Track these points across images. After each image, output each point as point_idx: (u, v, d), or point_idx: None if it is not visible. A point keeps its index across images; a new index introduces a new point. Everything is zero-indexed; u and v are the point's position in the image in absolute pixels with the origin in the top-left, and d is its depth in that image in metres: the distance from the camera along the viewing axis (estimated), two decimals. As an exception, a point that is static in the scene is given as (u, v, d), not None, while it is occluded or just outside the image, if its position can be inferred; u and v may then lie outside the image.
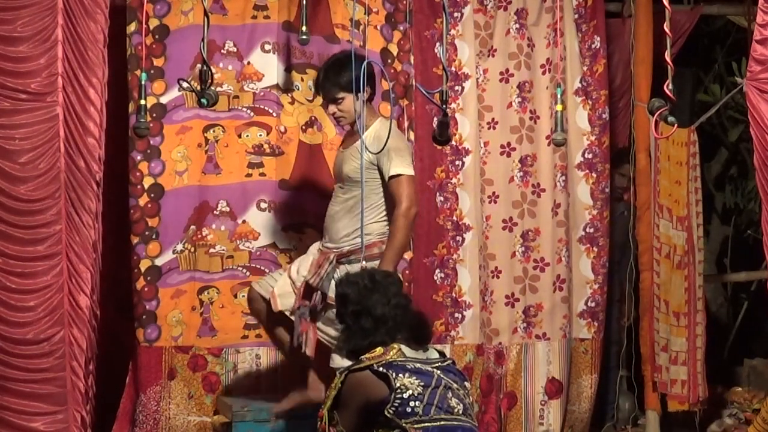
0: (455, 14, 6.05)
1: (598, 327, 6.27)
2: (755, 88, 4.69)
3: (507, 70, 6.11)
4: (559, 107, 4.54)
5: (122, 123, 5.59)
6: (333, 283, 4.89)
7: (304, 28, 4.69)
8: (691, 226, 6.31)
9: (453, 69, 6.02)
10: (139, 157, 5.68)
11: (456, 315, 6.03)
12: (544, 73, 6.14)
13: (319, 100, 5.35)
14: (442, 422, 3.98)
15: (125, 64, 5.63)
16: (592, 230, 6.25)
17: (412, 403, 3.95)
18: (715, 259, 8.43)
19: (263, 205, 5.83)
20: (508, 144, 6.12)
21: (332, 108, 5.08)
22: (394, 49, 5.97)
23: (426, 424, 3.95)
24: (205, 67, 4.43)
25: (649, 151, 6.35)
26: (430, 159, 6.03)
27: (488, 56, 6.11)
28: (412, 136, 5.96)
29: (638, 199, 6.39)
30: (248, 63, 5.82)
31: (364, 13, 5.76)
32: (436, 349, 4.22)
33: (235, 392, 5.74)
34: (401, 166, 4.96)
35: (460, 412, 4.05)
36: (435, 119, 5.74)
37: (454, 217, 6.04)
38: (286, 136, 5.86)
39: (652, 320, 6.34)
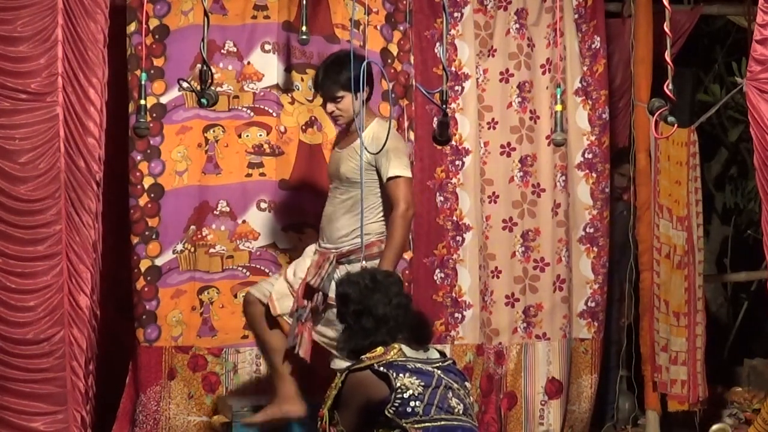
0: (455, 14, 6.05)
1: (598, 327, 6.27)
2: (755, 88, 4.69)
3: (507, 70, 6.11)
4: (558, 107, 4.54)
5: (122, 123, 5.59)
6: (333, 283, 4.91)
7: (304, 28, 4.69)
8: (691, 226, 6.31)
9: (453, 69, 6.02)
10: (139, 157, 5.68)
11: (456, 315, 6.03)
12: (544, 73, 6.14)
13: (320, 100, 5.35)
14: (443, 422, 3.99)
15: (125, 64, 5.63)
16: (592, 230, 6.25)
17: (412, 403, 3.95)
18: (715, 259, 8.43)
19: (263, 205, 5.83)
20: (508, 144, 6.12)
21: (331, 107, 5.07)
22: (394, 49, 5.97)
23: (426, 424, 3.96)
24: (205, 67, 4.43)
25: (649, 151, 6.35)
26: (430, 159, 6.02)
27: (488, 56, 6.11)
28: (412, 136, 5.96)
29: (638, 199, 6.39)
30: (248, 63, 5.82)
31: (364, 13, 5.76)
32: (436, 349, 4.22)
33: (235, 392, 5.75)
34: (399, 167, 4.97)
35: (461, 412, 4.05)
36: (435, 119, 5.74)
37: (454, 217, 6.04)
38: (286, 136, 5.86)
39: (652, 320, 6.34)
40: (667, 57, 4.10)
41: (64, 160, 4.77)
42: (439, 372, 4.07)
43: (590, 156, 6.25)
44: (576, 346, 6.25)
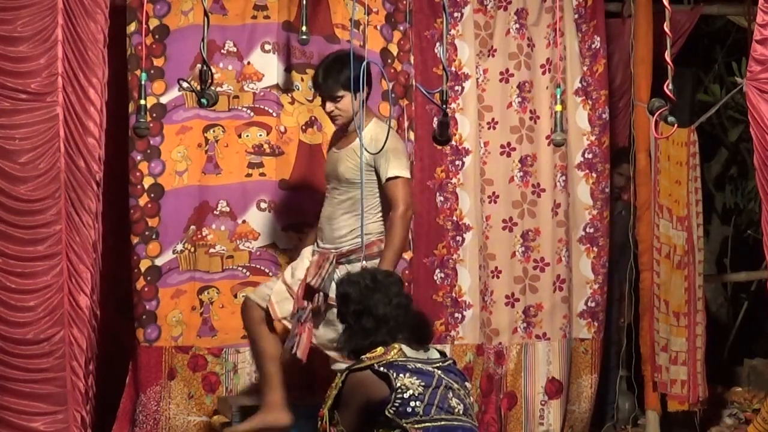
0: (455, 14, 6.04)
1: (598, 327, 6.27)
2: (755, 88, 4.69)
3: (507, 70, 6.11)
4: (558, 107, 4.55)
5: (122, 123, 5.59)
6: (334, 283, 4.91)
7: (304, 28, 4.69)
8: (691, 226, 6.31)
9: (453, 69, 6.02)
10: (139, 157, 5.68)
11: (456, 315, 6.03)
12: (544, 73, 6.14)
13: (320, 100, 5.34)
14: (443, 422, 3.99)
15: (125, 64, 5.63)
16: (592, 230, 6.25)
17: (412, 403, 3.95)
18: (715, 259, 8.43)
19: (263, 205, 5.83)
20: (508, 144, 6.12)
21: (330, 106, 5.07)
22: (394, 49, 5.97)
23: (426, 424, 3.96)
24: (205, 67, 4.43)
25: (649, 151, 6.35)
26: (430, 159, 6.02)
27: (488, 56, 6.11)
28: (412, 136, 5.96)
29: (638, 199, 6.39)
30: (248, 63, 5.82)
31: (364, 13, 5.76)
32: (437, 350, 4.22)
33: (235, 392, 5.75)
34: (398, 168, 4.97)
35: (461, 412, 4.05)
36: (435, 119, 5.74)
37: (454, 217, 6.04)
38: (286, 136, 5.86)
39: (652, 320, 6.34)
40: (667, 57, 4.10)
41: (64, 160, 4.77)
42: (439, 372, 4.07)
43: (590, 156, 6.25)
44: (576, 346, 6.25)
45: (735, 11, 6.87)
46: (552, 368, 6.15)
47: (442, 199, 6.04)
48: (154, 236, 5.69)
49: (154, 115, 5.69)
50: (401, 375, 3.98)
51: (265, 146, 5.84)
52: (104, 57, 4.83)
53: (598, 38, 6.25)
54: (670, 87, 4.10)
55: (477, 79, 6.08)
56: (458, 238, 6.04)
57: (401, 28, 5.98)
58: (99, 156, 4.82)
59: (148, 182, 5.69)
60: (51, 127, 4.76)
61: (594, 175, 6.24)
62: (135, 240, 5.67)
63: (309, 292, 5.03)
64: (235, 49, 5.81)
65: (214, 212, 5.78)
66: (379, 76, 5.72)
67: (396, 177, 4.97)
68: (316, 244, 5.20)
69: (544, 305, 6.13)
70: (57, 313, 4.76)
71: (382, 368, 4.00)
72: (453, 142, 5.95)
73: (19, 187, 4.74)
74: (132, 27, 5.61)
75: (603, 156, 6.26)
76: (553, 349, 6.16)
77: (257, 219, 5.82)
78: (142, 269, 5.68)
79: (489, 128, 6.11)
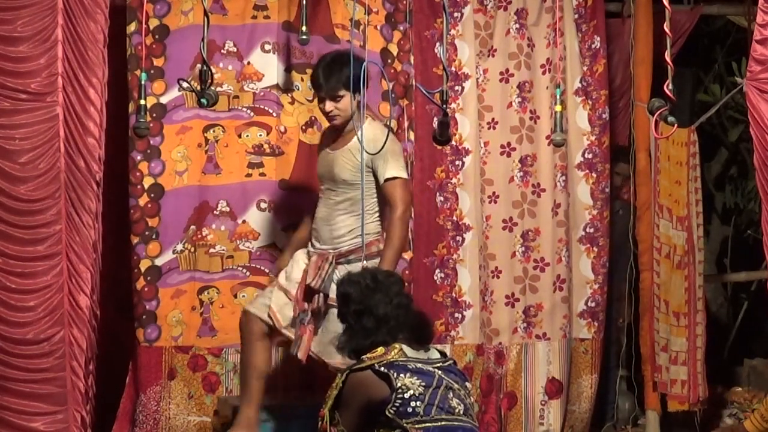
0: (455, 14, 6.04)
1: (598, 327, 6.27)
2: (755, 88, 4.68)
3: (507, 70, 6.11)
4: (558, 108, 4.55)
5: (122, 123, 5.59)
6: (333, 283, 4.91)
7: (304, 28, 4.70)
8: (691, 226, 6.31)
9: (453, 69, 6.02)
10: (139, 157, 5.68)
11: (456, 315, 6.03)
12: (544, 73, 6.14)
13: (317, 99, 5.33)
14: (443, 422, 3.99)
15: (125, 64, 5.63)
16: (592, 230, 6.25)
17: (413, 403, 3.95)
18: (715, 259, 8.43)
19: (263, 205, 5.83)
20: (508, 144, 6.12)
21: (330, 105, 5.07)
22: (394, 49, 5.97)
23: (427, 425, 3.96)
24: (205, 67, 4.43)
25: (649, 151, 6.35)
26: (430, 159, 6.02)
27: (488, 56, 6.11)
28: (412, 136, 5.96)
29: (638, 199, 6.39)
30: (248, 63, 5.82)
31: (364, 13, 5.76)
32: (437, 350, 4.23)
33: (236, 392, 5.74)
34: (396, 169, 4.99)
35: (461, 412, 4.05)
36: (435, 119, 5.74)
37: (454, 217, 6.04)
38: (286, 136, 5.86)
39: (652, 320, 6.34)
40: (667, 57, 4.10)
41: (64, 160, 4.77)
42: (439, 372, 4.07)
43: (590, 156, 6.25)
44: (576, 346, 6.25)
45: (735, 11, 6.87)
46: (552, 368, 6.15)
47: (442, 199, 6.04)
48: (154, 236, 5.69)
49: (154, 115, 5.69)
50: (402, 375, 3.98)
51: (265, 146, 5.84)
52: (104, 57, 4.83)
53: (598, 38, 6.25)
54: (670, 87, 4.10)
55: (477, 79, 6.08)
56: (458, 238, 6.04)
57: (401, 28, 5.98)
58: (99, 156, 4.82)
59: (148, 182, 5.69)
60: (51, 127, 4.76)
61: (594, 175, 6.24)
62: (135, 240, 5.67)
63: (308, 293, 5.03)
64: (235, 49, 5.81)
65: (214, 212, 5.78)
66: (378, 76, 5.72)
67: (394, 177, 4.98)
68: (310, 245, 5.19)
69: (544, 305, 6.13)
70: (57, 313, 4.76)
71: (382, 368, 4.00)
72: (453, 142, 5.95)
73: (19, 187, 4.74)
74: (132, 27, 5.61)
75: (603, 156, 6.26)
76: (553, 349, 6.16)
77: (257, 219, 5.82)
78: (142, 269, 5.68)
79: (489, 128, 6.11)
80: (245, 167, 5.82)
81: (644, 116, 6.19)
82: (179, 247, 5.73)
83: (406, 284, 5.71)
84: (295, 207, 5.84)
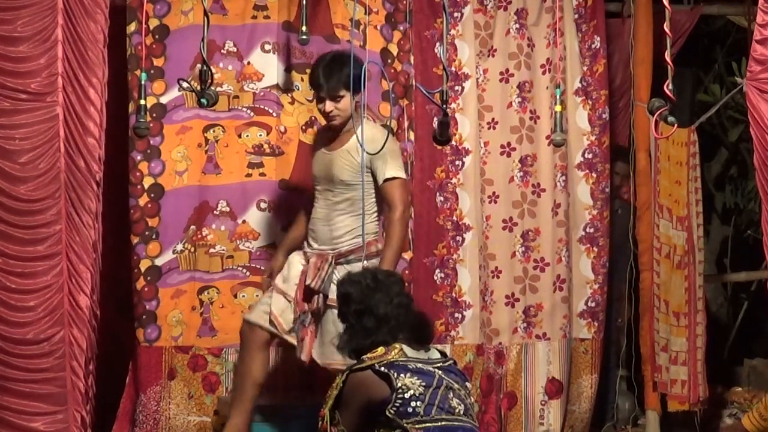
0: (455, 14, 6.04)
1: (598, 327, 6.27)
2: (755, 88, 4.68)
3: (507, 70, 6.11)
4: (558, 108, 4.55)
5: (122, 123, 5.59)
6: (333, 284, 4.91)
7: (304, 28, 4.70)
8: (691, 226, 6.31)
9: (453, 69, 6.02)
10: (139, 157, 5.68)
11: (456, 315, 6.03)
12: (544, 73, 6.14)
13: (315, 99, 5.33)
14: (444, 422, 3.99)
15: (125, 64, 5.63)
16: (592, 230, 6.25)
17: (413, 404, 3.95)
18: (715, 259, 8.43)
19: (263, 205, 5.83)
20: (508, 144, 6.12)
21: (330, 105, 5.06)
22: (394, 49, 5.97)
23: (427, 425, 3.96)
24: (205, 67, 4.43)
25: (649, 151, 6.35)
26: (430, 159, 6.02)
27: (488, 56, 6.11)
28: (412, 136, 5.96)
29: (638, 199, 6.39)
30: (248, 63, 5.82)
31: (364, 13, 5.75)
32: (437, 350, 4.22)
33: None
34: (395, 169, 5.01)
35: (461, 412, 4.05)
36: (435, 119, 5.74)
37: (454, 217, 6.04)
38: (286, 136, 5.86)
39: (652, 320, 6.34)
40: (667, 57, 4.10)
41: (64, 160, 4.77)
42: (440, 372, 4.07)
43: (590, 156, 6.25)
44: (576, 346, 6.25)
45: (735, 11, 6.87)
46: (552, 368, 6.15)
47: (442, 199, 6.04)
48: (154, 236, 5.69)
49: (154, 115, 5.69)
50: (402, 375, 3.98)
51: (265, 146, 5.84)
52: (104, 57, 4.83)
53: (598, 38, 6.25)
54: (670, 87, 4.10)
55: (477, 79, 6.08)
56: (458, 238, 6.04)
57: (401, 28, 5.98)
58: (99, 156, 4.82)
59: (148, 182, 5.69)
60: (51, 127, 4.76)
61: (594, 175, 6.24)
62: (135, 240, 5.67)
63: (307, 294, 5.04)
64: (235, 49, 5.81)
65: (214, 212, 5.78)
66: (379, 75, 5.72)
67: (393, 178, 4.99)
68: (306, 245, 5.19)
69: (544, 305, 6.13)
70: (57, 313, 4.76)
71: (383, 368, 4.00)
72: (453, 142, 5.95)
73: (19, 187, 4.74)
74: (132, 27, 5.61)
75: (603, 156, 6.26)
76: (553, 349, 6.15)
77: (257, 219, 5.82)
78: (142, 269, 5.68)
79: (489, 128, 6.11)
80: (245, 167, 5.82)
81: (644, 116, 6.19)
82: (179, 247, 5.73)
83: (406, 284, 5.72)
84: (295, 207, 5.83)
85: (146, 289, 5.68)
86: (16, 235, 4.74)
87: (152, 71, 5.67)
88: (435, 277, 6.02)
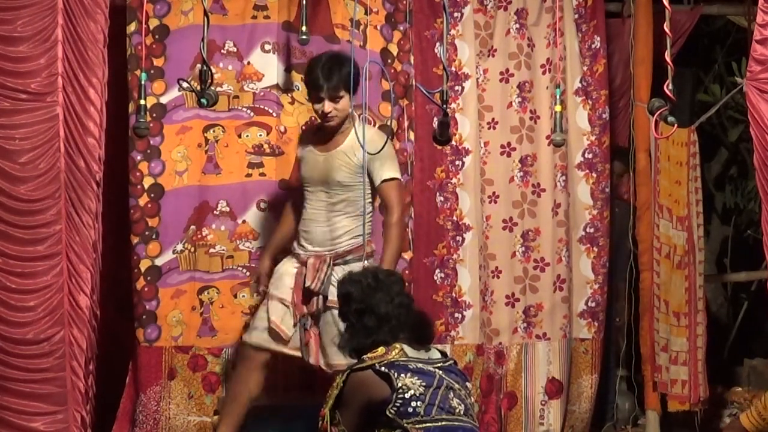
0: (455, 14, 6.04)
1: (598, 327, 6.27)
2: (755, 88, 4.68)
3: (507, 70, 6.11)
4: (558, 108, 4.55)
5: (122, 123, 5.59)
6: (332, 285, 4.92)
7: (304, 28, 4.70)
8: (691, 226, 6.31)
9: (453, 69, 6.01)
10: (139, 157, 5.68)
11: (456, 315, 6.03)
12: (544, 73, 6.14)
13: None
14: (444, 422, 3.99)
15: (125, 64, 5.63)
16: (592, 230, 6.25)
17: (413, 403, 3.95)
18: (715, 259, 8.44)
19: (263, 205, 5.83)
20: (508, 144, 6.12)
21: (329, 106, 5.06)
22: (394, 49, 5.97)
23: (427, 425, 3.96)
24: (205, 67, 4.43)
25: (649, 151, 6.35)
26: (430, 159, 6.02)
27: (488, 56, 6.11)
28: (412, 136, 5.96)
29: (638, 199, 6.39)
30: (248, 63, 5.81)
31: (365, 13, 5.76)
32: (437, 350, 4.22)
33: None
34: (391, 170, 5.03)
35: (462, 412, 4.05)
36: (435, 119, 5.74)
37: (454, 217, 6.04)
38: (286, 136, 5.86)
39: (652, 320, 6.34)
40: (667, 57, 4.11)
41: (64, 160, 4.77)
42: (440, 372, 4.07)
43: (590, 156, 6.25)
44: (576, 346, 6.25)
45: (735, 11, 6.87)
46: (552, 368, 6.15)
47: (442, 199, 6.04)
48: (154, 236, 5.69)
49: (154, 115, 5.69)
50: (402, 375, 3.98)
51: (265, 146, 5.84)
52: (104, 57, 4.83)
53: (598, 38, 6.25)
54: (670, 87, 4.10)
55: (477, 79, 6.08)
56: (458, 238, 6.04)
57: (401, 28, 5.98)
58: (99, 156, 4.82)
59: (148, 182, 5.69)
60: (51, 127, 4.76)
61: (594, 175, 6.24)
62: (135, 240, 5.67)
63: (306, 296, 5.04)
64: (235, 49, 5.81)
65: (214, 212, 5.78)
66: (379, 75, 5.72)
67: (391, 179, 5.00)
68: (298, 247, 5.19)
69: (544, 305, 6.13)
70: (57, 313, 4.76)
71: (383, 368, 4.00)
72: (453, 142, 5.95)
73: (19, 187, 4.74)
74: (132, 27, 5.61)
75: (603, 156, 6.26)
76: (553, 349, 6.15)
77: (257, 219, 5.82)
78: (142, 269, 5.68)
79: (489, 128, 6.11)
80: (245, 167, 5.82)
81: (644, 116, 6.19)
82: (179, 247, 5.73)
83: (407, 284, 5.72)
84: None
85: (146, 289, 5.68)
86: (16, 235, 4.74)
87: (152, 71, 5.67)
88: (435, 277, 6.02)
